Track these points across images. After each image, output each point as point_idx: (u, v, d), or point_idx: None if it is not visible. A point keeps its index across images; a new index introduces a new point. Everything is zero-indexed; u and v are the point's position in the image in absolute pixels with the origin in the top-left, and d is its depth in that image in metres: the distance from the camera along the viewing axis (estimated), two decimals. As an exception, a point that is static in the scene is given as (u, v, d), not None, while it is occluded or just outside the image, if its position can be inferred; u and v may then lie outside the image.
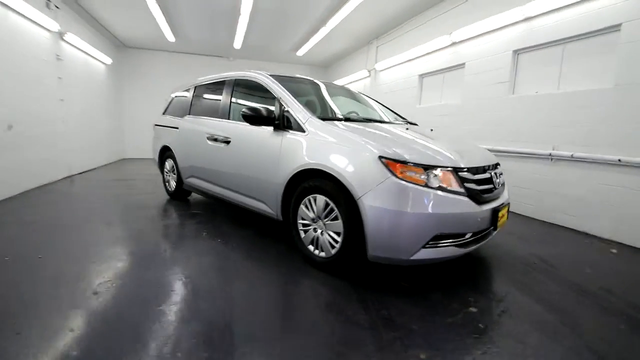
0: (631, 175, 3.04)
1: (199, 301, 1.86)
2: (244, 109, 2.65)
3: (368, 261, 2.06)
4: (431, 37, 5.55)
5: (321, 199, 2.23)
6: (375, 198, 1.94)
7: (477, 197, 2.07)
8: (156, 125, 4.71)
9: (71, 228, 3.04)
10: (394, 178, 1.93)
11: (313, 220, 2.33)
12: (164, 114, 4.64)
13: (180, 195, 4.27)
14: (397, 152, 2.00)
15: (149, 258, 2.42)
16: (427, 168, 1.97)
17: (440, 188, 1.95)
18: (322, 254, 2.29)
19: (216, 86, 3.65)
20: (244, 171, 2.91)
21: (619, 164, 3.10)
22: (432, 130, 3.11)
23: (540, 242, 3.13)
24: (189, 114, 3.93)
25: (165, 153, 4.35)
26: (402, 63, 6.61)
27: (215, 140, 3.25)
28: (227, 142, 3.10)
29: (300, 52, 8.78)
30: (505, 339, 1.62)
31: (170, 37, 7.71)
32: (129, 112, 9.47)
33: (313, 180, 2.28)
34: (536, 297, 2.06)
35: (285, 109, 2.60)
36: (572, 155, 3.53)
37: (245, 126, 2.95)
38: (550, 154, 3.72)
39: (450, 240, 2.01)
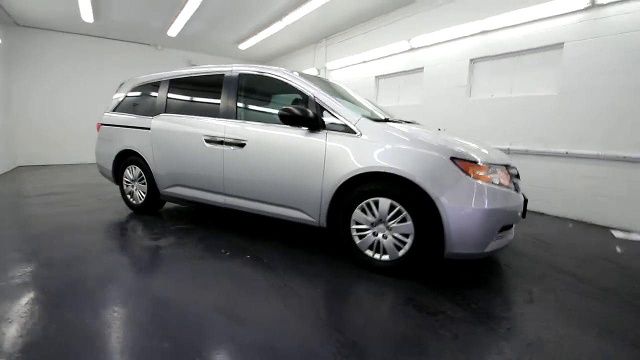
0: (577, 164, 3.84)
1: (317, 336, 1.63)
2: (282, 109, 2.40)
3: (437, 260, 2.12)
4: (389, 41, 5.90)
5: (385, 202, 2.18)
6: (453, 198, 1.99)
7: (518, 191, 2.33)
8: (104, 125, 3.84)
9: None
10: (468, 178, 2.02)
11: (372, 224, 2.26)
12: (114, 110, 3.81)
13: (151, 208, 3.58)
14: (466, 153, 2.10)
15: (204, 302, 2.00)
16: (490, 166, 2.12)
17: (500, 184, 2.13)
18: (385, 257, 2.24)
19: (208, 81, 3.17)
20: (271, 177, 2.62)
21: (566, 155, 3.88)
22: (441, 129, 3.33)
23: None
24: (165, 112, 3.31)
25: (126, 159, 3.59)
26: (357, 64, 6.85)
27: (220, 143, 2.83)
28: (241, 145, 2.74)
29: (244, 46, 8.25)
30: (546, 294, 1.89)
31: (88, 17, 6.31)
32: (24, 109, 7.43)
33: (374, 184, 2.21)
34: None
35: (326, 109, 2.45)
36: (526, 150, 4.25)
37: (268, 127, 2.68)
38: (508, 149, 4.41)
39: (506, 231, 2.23)
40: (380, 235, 2.25)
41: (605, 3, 3.45)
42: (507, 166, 2.32)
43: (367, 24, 6.49)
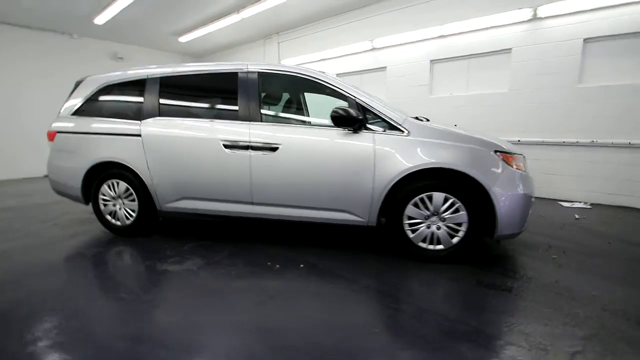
0: (527, 149, 4.62)
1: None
2: (335, 109, 2.34)
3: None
4: (351, 40, 6.09)
5: (439, 196, 2.33)
6: (502, 186, 2.26)
7: None
8: (61, 133, 3.10)
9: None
10: (510, 168, 2.31)
11: (426, 217, 2.40)
12: (74, 115, 3.10)
13: (142, 229, 3.04)
14: (503, 145, 2.39)
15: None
16: (518, 156, 2.46)
17: (526, 171, 2.50)
18: (439, 247, 2.41)
19: (216, 80, 2.84)
20: (312, 181, 2.52)
21: (519, 143, 4.65)
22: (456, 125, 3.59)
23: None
24: (159, 116, 2.85)
25: (103, 172, 2.97)
26: (316, 61, 6.87)
27: (245, 148, 2.59)
28: (273, 149, 2.56)
29: (185, 39, 7.46)
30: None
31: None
32: None
33: (427, 179, 2.34)
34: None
35: (369, 110, 2.46)
36: (484, 140, 4.96)
37: (304, 129, 2.59)
38: (469, 140, 5.06)
39: (528, 211, 2.63)
40: (433, 227, 2.41)
41: (544, 17, 4.23)
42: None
43: (325, 21, 6.55)
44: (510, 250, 2.72)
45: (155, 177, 2.83)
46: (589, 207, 4.08)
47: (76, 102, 3.15)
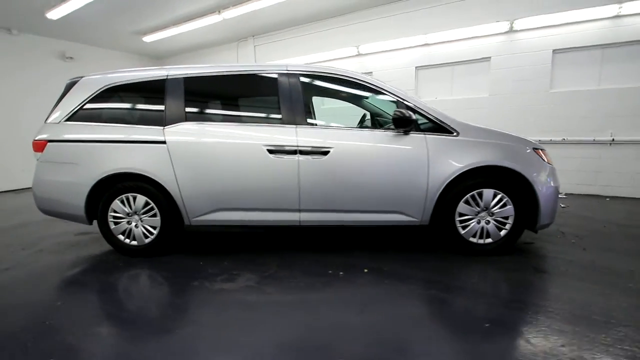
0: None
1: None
2: (396, 112, 2.34)
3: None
4: (336, 46, 6.16)
5: (489, 192, 2.47)
6: (542, 180, 2.47)
7: None
8: (55, 142, 2.62)
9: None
10: (545, 163, 2.54)
11: (477, 213, 2.51)
12: (70, 120, 2.65)
13: (164, 247, 2.69)
14: (537, 143, 2.61)
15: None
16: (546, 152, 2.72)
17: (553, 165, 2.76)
18: (489, 240, 2.55)
19: (250, 83, 2.66)
20: (366, 184, 2.49)
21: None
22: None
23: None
24: (186, 121, 2.57)
25: (113, 186, 2.57)
26: (297, 66, 6.79)
27: (293, 152, 2.46)
28: (324, 153, 2.46)
29: (150, 38, 6.83)
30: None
31: None
32: None
33: (477, 177, 2.46)
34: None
35: (418, 112, 2.51)
36: (469, 140, 5.37)
37: (356, 132, 2.57)
38: (455, 141, 5.44)
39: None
40: (483, 222, 2.54)
41: (519, 29, 4.76)
42: None
43: (308, 26, 6.52)
44: (534, 239, 2.98)
45: (185, 188, 2.53)
46: (564, 196, 4.66)
47: (70, 106, 2.69)
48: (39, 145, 2.67)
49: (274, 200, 2.55)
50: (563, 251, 2.67)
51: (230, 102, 2.76)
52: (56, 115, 2.70)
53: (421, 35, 5.35)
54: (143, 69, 2.73)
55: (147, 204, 2.60)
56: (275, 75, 2.62)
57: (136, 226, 2.65)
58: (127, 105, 2.73)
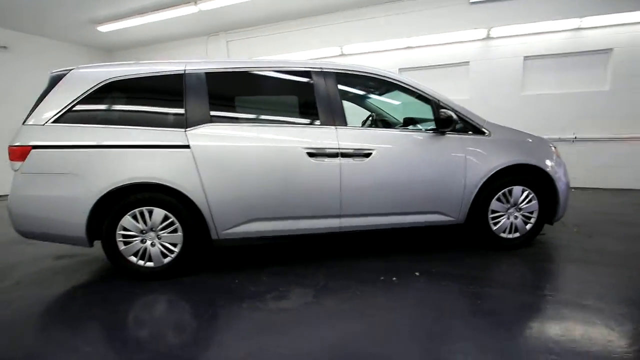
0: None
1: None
2: (442, 112, 2.34)
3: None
4: (318, 45, 6.07)
5: (518, 189, 2.60)
6: (560, 176, 2.67)
7: None
8: (41, 148, 2.13)
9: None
10: (559, 159, 2.75)
11: (507, 209, 2.63)
12: (59, 122, 2.18)
13: (185, 267, 2.35)
14: (551, 141, 2.82)
15: None
16: (556, 150, 2.96)
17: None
18: (516, 235, 2.68)
19: (281, 80, 2.44)
20: (408, 186, 2.45)
21: (479, 141, 5.50)
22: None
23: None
24: (211, 122, 2.27)
25: (122, 200, 2.17)
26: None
27: (334, 155, 2.32)
28: (366, 156, 2.37)
29: (107, 28, 6.00)
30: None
31: None
32: None
33: (509, 175, 2.56)
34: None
35: (457, 113, 2.54)
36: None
37: (397, 133, 2.52)
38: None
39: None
40: (512, 217, 2.66)
41: (495, 37, 5.14)
42: None
43: (287, 23, 6.30)
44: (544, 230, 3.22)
45: (214, 198, 2.24)
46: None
47: (58, 105, 2.21)
48: (19, 153, 2.15)
49: (314, 207, 2.39)
50: (573, 239, 2.93)
51: (260, 101, 2.52)
52: (40, 116, 2.20)
53: (405, 37, 5.51)
54: (152, 62, 2.36)
55: (165, 218, 2.25)
56: (310, 73, 2.45)
57: (152, 245, 2.28)
58: (136, 104, 2.33)
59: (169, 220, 2.25)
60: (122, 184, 2.14)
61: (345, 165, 2.35)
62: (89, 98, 2.23)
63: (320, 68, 2.47)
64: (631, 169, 4.81)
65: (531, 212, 2.67)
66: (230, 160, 2.25)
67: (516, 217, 2.66)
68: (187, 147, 2.20)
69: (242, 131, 2.32)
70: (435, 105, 2.55)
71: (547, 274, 2.34)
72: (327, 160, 2.33)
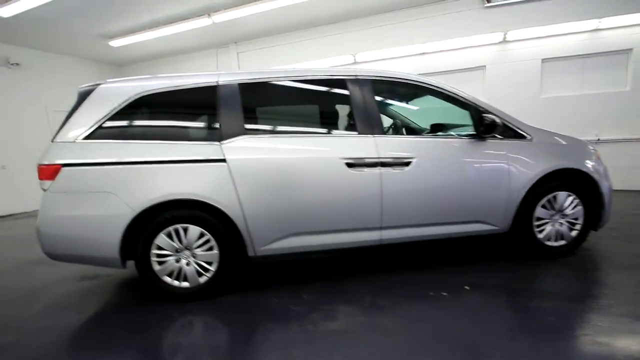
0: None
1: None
2: (487, 118, 2.26)
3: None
4: (331, 54, 6.04)
5: (563, 194, 2.49)
6: (603, 178, 2.57)
7: None
8: (71, 166, 2.05)
9: None
10: (600, 161, 2.65)
11: (551, 216, 2.52)
12: (90, 138, 2.10)
13: (220, 286, 2.23)
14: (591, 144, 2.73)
15: None
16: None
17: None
18: (562, 242, 2.56)
19: (315, 89, 2.36)
20: (450, 195, 2.36)
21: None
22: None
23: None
24: (246, 134, 2.19)
25: (156, 217, 2.08)
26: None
27: (374, 165, 2.23)
28: (406, 164, 2.28)
29: (119, 43, 6.00)
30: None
31: None
32: None
33: (554, 180, 2.46)
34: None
35: (497, 118, 2.45)
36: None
37: (436, 140, 2.44)
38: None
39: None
40: (556, 225, 2.55)
41: (511, 40, 5.11)
42: None
43: (298, 33, 6.29)
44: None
45: (251, 214, 2.14)
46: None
47: (89, 121, 2.14)
48: (49, 171, 2.07)
49: (354, 219, 2.29)
50: (614, 245, 2.82)
51: (294, 111, 2.45)
52: (70, 133, 2.12)
53: (419, 44, 5.48)
54: (184, 74, 2.29)
55: (201, 235, 2.15)
56: (345, 81, 2.37)
57: (187, 264, 2.17)
58: (169, 119, 2.26)
59: (205, 238, 2.15)
60: (157, 202, 2.05)
61: (385, 175, 2.26)
62: (121, 113, 2.16)
63: (355, 75, 2.40)
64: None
65: (576, 219, 2.56)
66: (266, 173, 2.16)
67: (561, 224, 2.55)
68: (223, 161, 2.12)
69: (277, 143, 2.23)
70: (475, 110, 2.47)
71: (599, 283, 2.23)
72: (366, 170, 2.24)
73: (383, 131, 2.35)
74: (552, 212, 2.52)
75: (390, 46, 5.69)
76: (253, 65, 6.76)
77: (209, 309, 2.10)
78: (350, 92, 2.36)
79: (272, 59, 6.58)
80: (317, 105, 2.54)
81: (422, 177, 2.32)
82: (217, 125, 2.19)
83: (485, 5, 5.05)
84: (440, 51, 5.52)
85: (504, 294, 2.09)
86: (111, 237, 2.06)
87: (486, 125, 2.32)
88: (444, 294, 2.13)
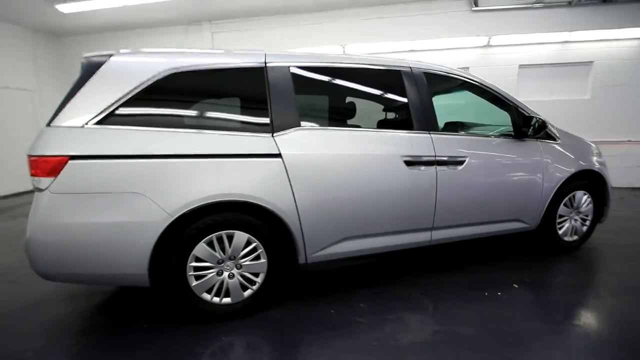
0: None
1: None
2: (537, 118, 2.28)
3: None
4: (320, 42, 5.75)
5: (580, 193, 2.68)
6: (609, 179, 2.81)
7: None
8: (86, 159, 1.59)
9: None
10: (603, 160, 2.90)
11: (569, 214, 2.69)
12: (104, 123, 1.64)
13: (265, 300, 1.94)
14: (597, 147, 2.98)
15: None
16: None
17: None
18: (575, 238, 2.76)
19: (370, 79, 2.20)
20: (495, 194, 2.38)
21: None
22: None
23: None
24: (300, 126, 1.91)
25: (198, 223, 1.71)
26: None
27: (431, 163, 2.12)
28: (459, 163, 2.21)
29: (69, 8, 4.94)
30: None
31: None
32: None
33: (574, 180, 2.62)
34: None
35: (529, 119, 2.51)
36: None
37: (482, 139, 2.42)
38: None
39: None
40: (573, 221, 2.74)
41: (494, 45, 5.39)
42: None
43: (284, 17, 5.87)
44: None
45: (307, 216, 1.89)
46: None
47: (101, 102, 1.67)
48: (49, 165, 1.56)
49: (409, 220, 2.17)
50: (608, 238, 3.13)
51: (349, 102, 2.20)
52: (75, 116, 1.63)
53: (409, 41, 5.51)
54: (225, 51, 1.92)
55: (248, 243, 1.84)
56: (401, 73, 2.21)
57: (230, 276, 1.84)
58: (208, 103, 1.87)
59: (252, 246, 1.85)
60: (200, 204, 1.68)
61: (440, 174, 2.18)
62: (146, 93, 1.72)
63: (410, 66, 2.25)
64: (614, 170, 5.42)
65: (587, 215, 2.78)
66: (323, 170, 1.92)
67: (576, 220, 2.75)
68: (278, 156, 1.82)
69: (333, 137, 2.00)
70: (516, 110, 2.51)
71: (626, 274, 2.42)
72: (423, 169, 2.13)
73: (438, 128, 2.26)
74: (571, 209, 2.70)
75: (379, 40, 5.63)
76: (230, 47, 6.17)
77: (256, 328, 1.81)
78: (406, 85, 2.21)
79: (252, 44, 6.07)
80: (371, 96, 2.35)
81: (474, 176, 2.29)
82: (267, 115, 1.87)
83: (473, 8, 5.26)
84: (429, 50, 5.63)
85: (551, 291, 2.18)
86: (139, 248, 1.64)
87: (535, 126, 2.37)
88: (499, 293, 2.14)
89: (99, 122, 1.65)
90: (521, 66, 5.42)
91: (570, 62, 5.27)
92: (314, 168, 1.90)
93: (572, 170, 2.58)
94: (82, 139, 1.61)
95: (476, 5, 5.23)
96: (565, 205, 2.65)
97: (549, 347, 1.61)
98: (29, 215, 1.67)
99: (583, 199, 2.71)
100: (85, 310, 2.04)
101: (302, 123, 1.93)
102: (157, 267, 1.72)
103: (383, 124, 2.41)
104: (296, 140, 1.88)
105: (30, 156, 1.60)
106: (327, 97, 2.30)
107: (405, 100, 2.20)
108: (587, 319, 1.88)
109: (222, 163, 1.75)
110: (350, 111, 2.29)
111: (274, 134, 1.86)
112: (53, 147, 1.58)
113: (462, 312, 1.93)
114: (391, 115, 2.36)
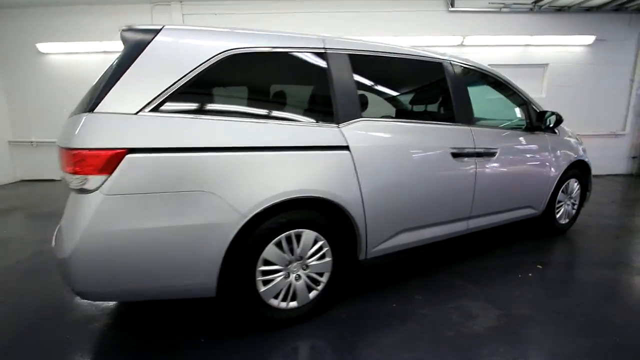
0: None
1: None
2: (556, 114, 2.47)
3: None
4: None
5: (572, 180, 3.02)
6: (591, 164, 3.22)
7: None
8: (152, 152, 1.35)
9: None
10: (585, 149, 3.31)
11: (565, 199, 3.03)
12: (163, 111, 1.40)
13: (327, 302, 1.84)
14: (579, 140, 3.38)
15: None
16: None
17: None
18: (567, 220, 3.12)
19: (419, 70, 2.22)
20: (518, 183, 2.58)
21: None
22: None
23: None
24: (362, 116, 1.82)
25: (269, 222, 1.55)
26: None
27: (471, 155, 2.21)
28: (492, 155, 2.33)
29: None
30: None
31: None
32: None
33: (573, 170, 2.95)
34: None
35: (543, 113, 2.73)
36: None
37: (506, 131, 2.61)
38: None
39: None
40: (565, 206, 3.08)
41: (467, 44, 5.76)
42: None
43: (260, 3, 5.53)
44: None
45: (371, 210, 1.83)
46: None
47: (154, 86, 1.41)
48: (100, 160, 1.28)
49: (452, 210, 2.25)
50: (606, 216, 3.60)
51: (403, 93, 2.16)
52: (123, 101, 1.35)
53: (392, 36, 5.62)
54: (283, 33, 1.74)
55: (315, 241, 1.72)
56: (443, 65, 2.25)
57: (297, 278, 1.71)
58: (270, 89, 1.68)
59: (319, 244, 1.74)
60: (275, 202, 1.53)
61: (479, 165, 2.28)
62: (204, 76, 1.50)
63: (450, 60, 2.30)
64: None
65: (576, 200, 3.16)
66: (387, 163, 1.88)
67: (568, 205, 3.11)
68: (345, 148, 1.73)
69: (391, 128, 1.96)
70: (531, 104, 2.73)
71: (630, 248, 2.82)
72: (466, 160, 2.21)
73: (475, 120, 2.35)
74: (566, 195, 3.04)
75: (361, 34, 5.64)
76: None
77: (327, 330, 1.72)
78: (448, 78, 2.25)
79: (227, 25, 5.65)
80: (422, 88, 2.35)
81: (503, 167, 2.44)
82: (331, 104, 1.76)
83: (450, 9, 5.55)
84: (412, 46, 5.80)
85: (572, 269, 2.43)
86: (210, 254, 1.44)
87: (551, 121, 2.61)
88: (530, 275, 2.32)
89: (154, 109, 1.40)
90: (490, 65, 5.88)
91: (530, 64, 5.88)
92: (377, 159, 1.84)
93: (571, 159, 2.90)
94: (140, 128, 1.35)
95: (452, 6, 5.54)
96: (562, 191, 2.99)
97: (600, 320, 1.80)
98: (63, 223, 1.36)
99: (574, 186, 3.07)
100: (121, 332, 1.73)
101: (364, 113, 1.86)
102: (224, 274, 1.53)
103: (433, 116, 2.45)
104: (361, 131, 1.80)
105: (68, 149, 1.29)
106: (386, 87, 2.25)
107: (448, 93, 2.25)
108: (610, 293, 2.14)
109: (295, 156, 1.61)
110: (400, 103, 2.28)
111: (340, 125, 1.76)
112: (106, 138, 1.29)
113: (510, 294, 2.06)
114: (439, 107, 2.40)
